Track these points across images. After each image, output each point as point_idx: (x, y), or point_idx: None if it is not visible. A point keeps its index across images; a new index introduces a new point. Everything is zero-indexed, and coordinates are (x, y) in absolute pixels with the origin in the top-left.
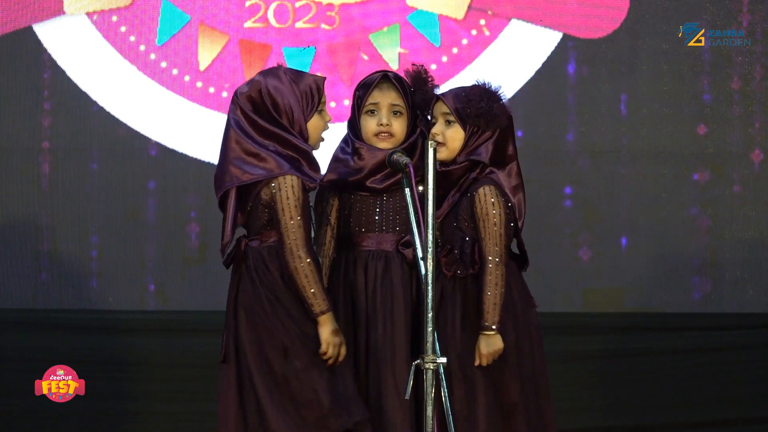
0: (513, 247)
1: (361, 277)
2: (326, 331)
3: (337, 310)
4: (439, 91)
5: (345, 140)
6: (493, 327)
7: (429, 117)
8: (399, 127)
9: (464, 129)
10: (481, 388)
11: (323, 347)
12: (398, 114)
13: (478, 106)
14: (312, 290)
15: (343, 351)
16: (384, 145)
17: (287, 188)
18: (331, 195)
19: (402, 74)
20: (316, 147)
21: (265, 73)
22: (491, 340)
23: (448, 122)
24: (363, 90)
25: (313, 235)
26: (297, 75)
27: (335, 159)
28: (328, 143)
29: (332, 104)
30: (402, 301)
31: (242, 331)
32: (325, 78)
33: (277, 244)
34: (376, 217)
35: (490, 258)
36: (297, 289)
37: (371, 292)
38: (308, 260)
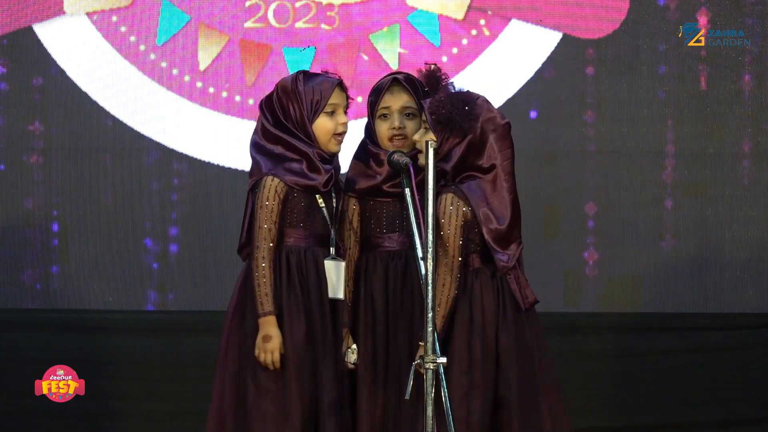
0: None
1: (382, 277)
2: (259, 335)
3: (357, 311)
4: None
5: (362, 145)
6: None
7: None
8: (412, 129)
9: (436, 135)
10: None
11: (255, 350)
12: (411, 116)
13: (439, 113)
14: (257, 291)
15: (276, 357)
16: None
17: (260, 190)
18: (351, 201)
19: (415, 74)
20: (328, 148)
21: (281, 80)
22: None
23: (426, 129)
24: (375, 95)
25: (337, 236)
26: (308, 76)
27: (354, 165)
28: (346, 144)
29: None
30: (421, 301)
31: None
32: (339, 80)
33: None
34: (397, 220)
35: (437, 267)
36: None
37: (392, 292)
38: (261, 262)
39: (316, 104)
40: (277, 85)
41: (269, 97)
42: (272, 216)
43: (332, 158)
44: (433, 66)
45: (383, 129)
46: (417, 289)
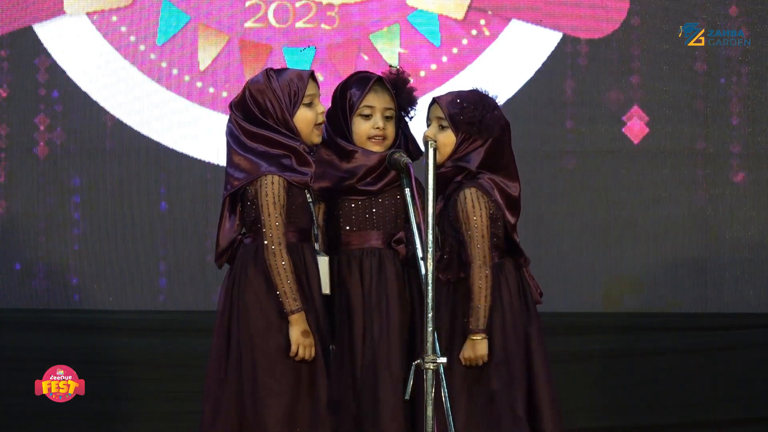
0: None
1: (356, 276)
2: (296, 331)
3: (317, 309)
4: (435, 95)
5: (327, 141)
6: (478, 331)
7: (427, 119)
8: (391, 130)
9: (456, 135)
10: (461, 387)
11: (293, 347)
12: (389, 118)
13: (471, 114)
14: (284, 289)
15: (313, 352)
16: (377, 148)
17: (266, 186)
18: (317, 198)
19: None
20: (311, 140)
21: (251, 79)
22: (476, 345)
23: (442, 127)
24: (357, 91)
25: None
26: (279, 72)
27: (320, 162)
28: None
29: None
30: (397, 298)
31: (233, 326)
32: (311, 71)
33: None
34: (367, 217)
35: (472, 262)
36: (273, 286)
37: (367, 290)
38: (282, 260)
39: (294, 96)
40: (247, 85)
41: (241, 98)
42: (284, 212)
43: (312, 151)
44: (398, 69)
45: (364, 128)
46: (393, 286)
